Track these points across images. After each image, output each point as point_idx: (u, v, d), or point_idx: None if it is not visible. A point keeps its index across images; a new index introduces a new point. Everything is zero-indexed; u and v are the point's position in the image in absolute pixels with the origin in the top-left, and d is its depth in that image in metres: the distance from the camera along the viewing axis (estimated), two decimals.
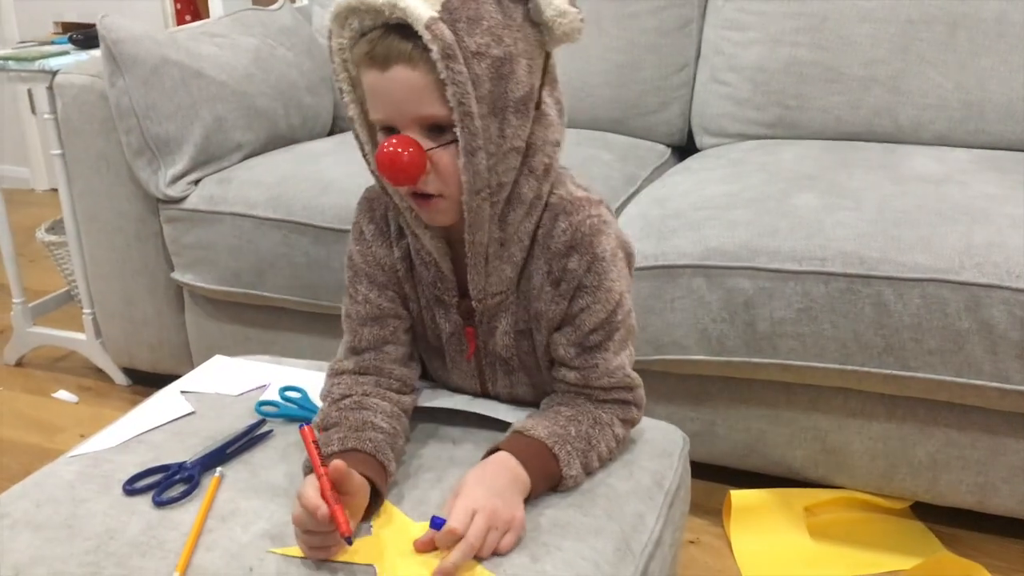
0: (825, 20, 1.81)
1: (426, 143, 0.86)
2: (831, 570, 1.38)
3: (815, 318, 1.34)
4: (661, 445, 1.05)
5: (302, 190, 1.66)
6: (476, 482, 0.87)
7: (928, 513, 1.49)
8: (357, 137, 0.94)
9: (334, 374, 1.02)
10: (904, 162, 1.60)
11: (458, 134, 0.84)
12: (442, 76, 0.82)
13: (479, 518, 0.82)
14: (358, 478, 0.84)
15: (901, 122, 1.79)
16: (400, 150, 0.85)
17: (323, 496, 0.80)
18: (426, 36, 0.81)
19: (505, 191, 0.90)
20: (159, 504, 0.90)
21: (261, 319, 1.80)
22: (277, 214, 1.66)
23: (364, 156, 0.94)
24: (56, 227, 2.22)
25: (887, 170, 1.56)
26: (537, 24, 0.87)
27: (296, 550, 0.83)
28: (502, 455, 0.91)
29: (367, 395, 0.97)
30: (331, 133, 2.15)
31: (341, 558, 0.82)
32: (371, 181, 0.98)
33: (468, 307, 0.99)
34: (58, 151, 1.87)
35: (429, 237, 0.95)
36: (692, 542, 1.46)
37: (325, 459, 0.86)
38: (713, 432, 1.51)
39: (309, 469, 0.88)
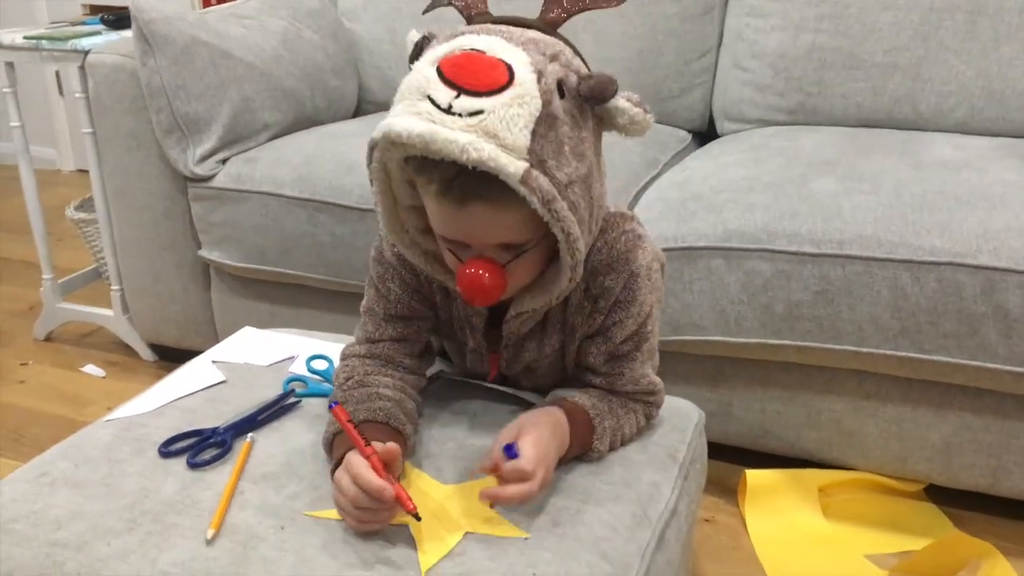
0: (847, 7, 1.82)
1: (503, 257, 0.86)
2: (844, 549, 1.40)
3: (832, 301, 1.36)
4: (676, 420, 1.08)
5: (327, 170, 1.69)
6: (546, 433, 0.89)
7: (941, 496, 1.50)
8: (379, 217, 0.91)
9: (344, 357, 1.03)
10: (924, 149, 1.61)
11: (563, 254, 0.83)
12: (545, 219, 0.80)
13: (541, 471, 0.85)
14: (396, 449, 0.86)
15: (921, 109, 1.80)
16: (482, 272, 0.84)
17: (379, 473, 0.81)
18: (523, 191, 0.78)
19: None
20: (193, 466, 0.94)
21: (286, 297, 1.83)
22: (303, 193, 1.69)
23: (384, 234, 0.93)
24: (85, 205, 2.26)
25: (906, 156, 1.57)
26: (601, 118, 0.86)
27: (331, 513, 0.86)
28: (560, 415, 0.93)
29: (369, 374, 0.98)
30: (356, 115, 2.18)
31: None
32: None
33: (496, 334, 1.00)
34: (89, 130, 1.90)
35: (452, 280, 0.94)
36: (707, 520, 1.49)
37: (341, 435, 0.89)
38: (729, 413, 1.53)
39: (330, 443, 0.91)
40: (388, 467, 0.84)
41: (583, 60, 0.88)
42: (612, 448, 0.98)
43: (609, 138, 0.91)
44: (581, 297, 0.97)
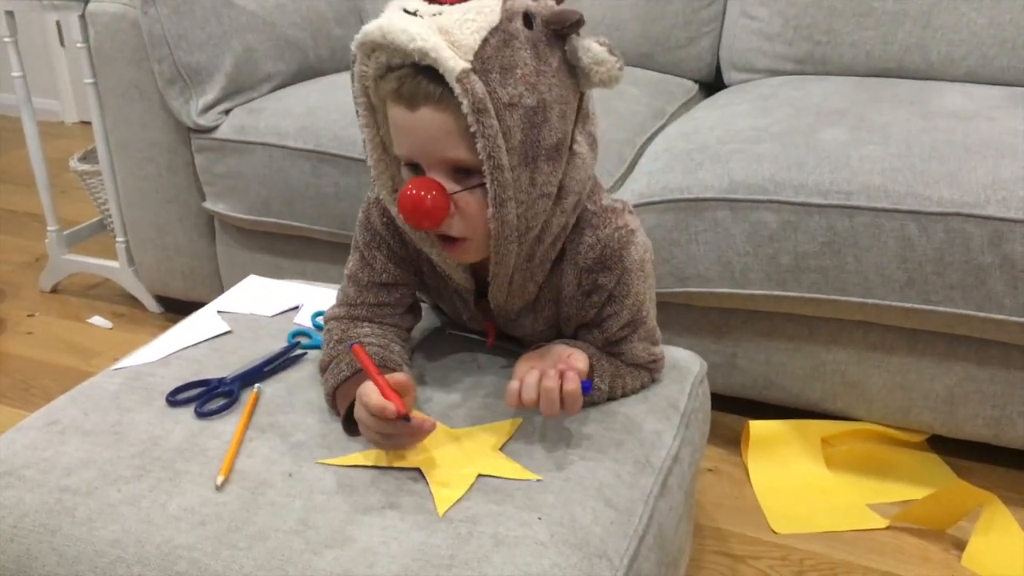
0: None
1: (451, 186, 0.84)
2: (846, 499, 1.42)
3: (838, 252, 1.35)
4: (677, 370, 1.09)
5: (332, 121, 1.68)
6: (540, 348, 0.97)
7: (944, 446, 1.51)
8: (367, 161, 0.92)
9: (326, 321, 1.04)
10: (934, 98, 1.59)
11: (487, 184, 0.82)
12: (472, 129, 0.79)
13: (539, 365, 0.91)
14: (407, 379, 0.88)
15: (932, 58, 1.77)
16: (423, 193, 0.82)
17: (384, 394, 0.83)
18: (457, 89, 0.78)
19: (534, 232, 0.88)
20: (200, 415, 0.94)
21: (290, 248, 1.83)
22: (307, 144, 1.68)
23: (373, 179, 0.93)
24: (89, 156, 2.25)
25: (916, 106, 1.55)
26: (573, 67, 0.85)
27: (341, 460, 0.87)
28: (555, 343, 0.98)
29: (347, 331, 0.99)
30: None
31: (385, 463, 0.86)
32: None
33: (488, 307, 1.00)
34: (90, 80, 1.89)
35: (445, 259, 0.94)
36: (711, 470, 1.50)
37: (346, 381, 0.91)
38: (734, 364, 1.54)
39: (332, 398, 0.94)
40: (403, 396, 0.85)
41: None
42: (612, 392, 0.99)
43: (615, 90, 0.89)
44: (574, 290, 0.96)
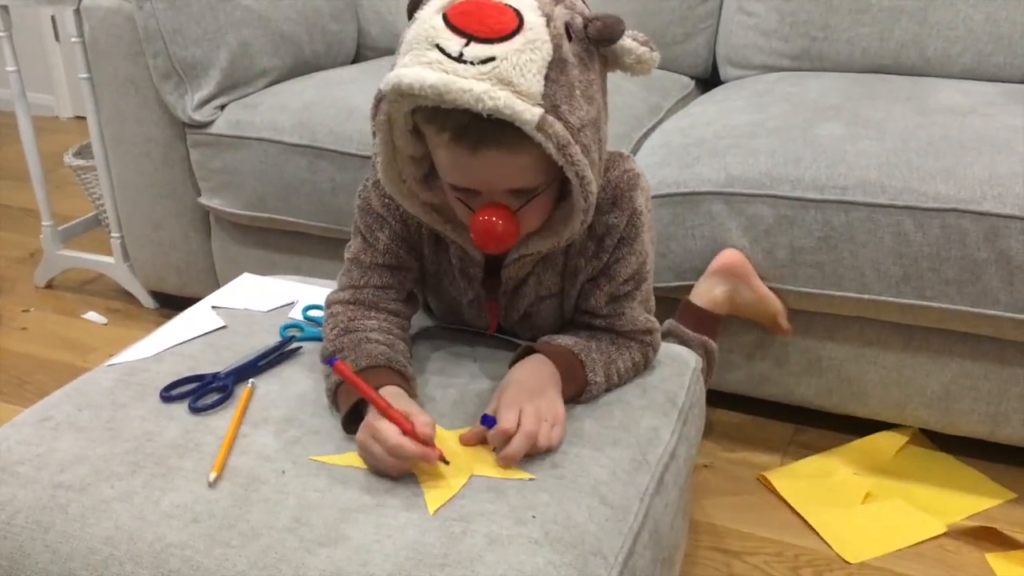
0: None
1: (514, 203, 0.86)
2: (897, 512, 1.38)
3: (834, 247, 1.35)
4: (674, 366, 1.09)
5: (328, 116, 1.68)
6: (517, 384, 0.91)
7: (939, 443, 1.52)
8: (375, 159, 0.90)
9: (328, 305, 1.02)
10: (930, 94, 1.59)
11: (576, 197, 0.84)
12: (560, 164, 0.80)
13: (528, 410, 0.86)
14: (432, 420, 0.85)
15: (928, 55, 1.77)
16: (495, 220, 0.84)
17: (408, 434, 0.81)
18: (539, 138, 0.78)
19: None
20: (195, 411, 0.94)
21: (286, 244, 1.83)
22: (302, 140, 1.67)
23: (377, 171, 0.91)
24: (83, 151, 2.25)
25: (912, 102, 1.55)
26: (605, 58, 0.86)
27: (335, 458, 0.86)
28: (536, 356, 0.95)
29: (353, 319, 0.98)
30: (355, 61, 2.16)
31: None
32: None
33: (494, 282, 1.00)
34: (85, 75, 1.88)
35: (451, 229, 0.95)
36: (706, 466, 1.50)
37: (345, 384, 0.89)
38: (729, 360, 1.54)
39: (334, 393, 0.92)
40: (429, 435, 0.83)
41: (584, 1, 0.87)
42: (609, 381, 0.99)
43: (611, 83, 0.90)
44: (585, 237, 0.97)
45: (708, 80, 2.04)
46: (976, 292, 1.31)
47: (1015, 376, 1.38)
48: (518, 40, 0.77)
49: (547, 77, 0.78)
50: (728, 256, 1.39)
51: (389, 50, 2.18)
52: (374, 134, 0.87)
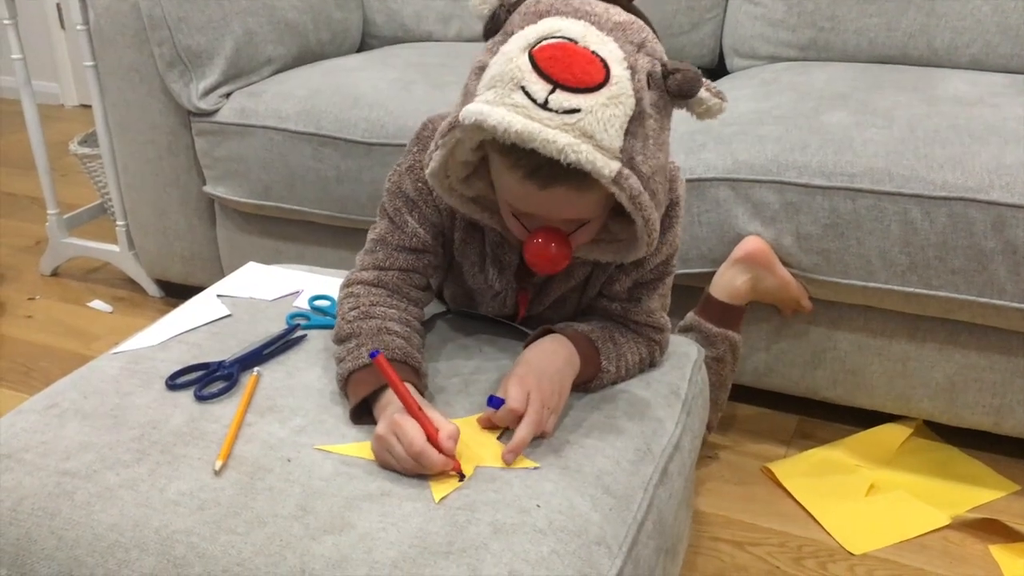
0: None
1: (569, 227, 0.88)
2: (902, 503, 1.38)
3: (841, 234, 1.35)
4: (677, 357, 1.09)
5: (333, 104, 1.67)
6: (532, 363, 0.91)
7: (944, 435, 1.52)
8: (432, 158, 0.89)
9: (348, 284, 1.02)
10: (938, 84, 1.59)
11: (639, 234, 0.86)
12: (629, 210, 0.81)
13: (535, 397, 0.86)
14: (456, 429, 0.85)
15: (936, 45, 1.76)
16: (552, 244, 0.86)
17: (430, 440, 0.81)
18: (614, 190, 0.79)
19: None
20: (200, 399, 0.94)
21: (291, 232, 1.82)
22: (307, 128, 1.67)
23: (426, 160, 0.91)
24: (89, 140, 2.25)
25: (920, 91, 1.54)
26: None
27: (340, 448, 0.86)
28: (555, 337, 0.95)
29: (375, 304, 0.98)
30: (360, 49, 2.15)
31: None
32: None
33: (527, 271, 0.99)
34: (90, 63, 1.88)
35: (489, 217, 0.95)
36: (709, 456, 1.50)
37: (358, 370, 0.90)
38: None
39: (345, 381, 0.91)
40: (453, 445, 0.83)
41: (653, 29, 0.88)
42: (619, 372, 0.99)
43: None
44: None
45: (714, 70, 2.03)
46: (982, 281, 1.30)
47: (1021, 368, 1.38)
48: (604, 94, 0.77)
49: (627, 131, 0.79)
50: (752, 244, 1.39)
51: (394, 38, 2.18)
52: (436, 146, 0.87)
